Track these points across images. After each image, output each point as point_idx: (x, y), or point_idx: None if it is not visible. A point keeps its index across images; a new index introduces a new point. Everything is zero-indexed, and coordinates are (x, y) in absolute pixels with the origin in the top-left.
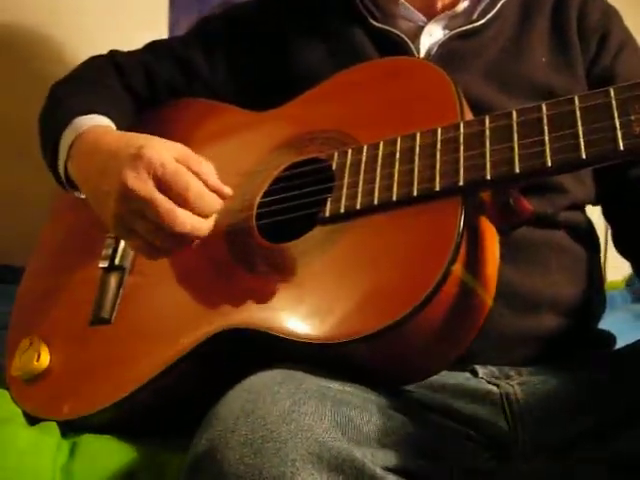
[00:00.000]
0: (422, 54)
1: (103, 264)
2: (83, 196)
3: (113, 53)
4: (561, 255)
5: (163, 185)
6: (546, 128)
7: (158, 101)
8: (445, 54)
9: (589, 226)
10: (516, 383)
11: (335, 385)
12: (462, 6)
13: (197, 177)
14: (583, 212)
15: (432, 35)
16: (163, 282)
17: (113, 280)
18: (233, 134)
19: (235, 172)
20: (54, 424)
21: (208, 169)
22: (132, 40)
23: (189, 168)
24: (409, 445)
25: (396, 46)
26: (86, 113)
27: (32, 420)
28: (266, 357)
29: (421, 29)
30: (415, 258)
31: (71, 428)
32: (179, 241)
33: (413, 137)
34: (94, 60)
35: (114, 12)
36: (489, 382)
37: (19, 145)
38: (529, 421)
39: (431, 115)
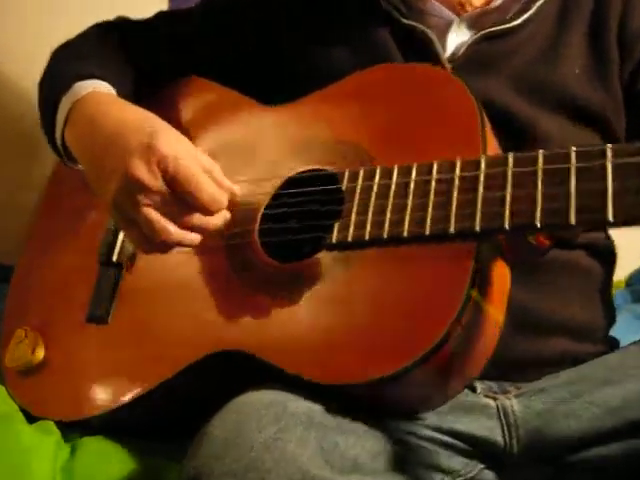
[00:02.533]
0: (447, 54)
1: (100, 259)
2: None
3: (119, 22)
4: (577, 276)
5: (174, 182)
6: (573, 180)
7: (160, 77)
8: (472, 56)
9: (607, 241)
10: (513, 396)
11: (323, 407)
12: (496, 3)
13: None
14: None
15: (460, 34)
16: (161, 288)
17: (110, 277)
18: (240, 130)
19: (240, 175)
20: (52, 424)
21: (216, 167)
22: None
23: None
24: (399, 466)
25: (421, 45)
26: (87, 78)
27: (29, 416)
28: (263, 373)
29: (449, 26)
30: (421, 306)
31: (66, 425)
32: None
33: (429, 168)
34: (99, 27)
35: (115, 10)
36: (486, 396)
37: (17, 146)
38: (524, 433)
39: (451, 140)
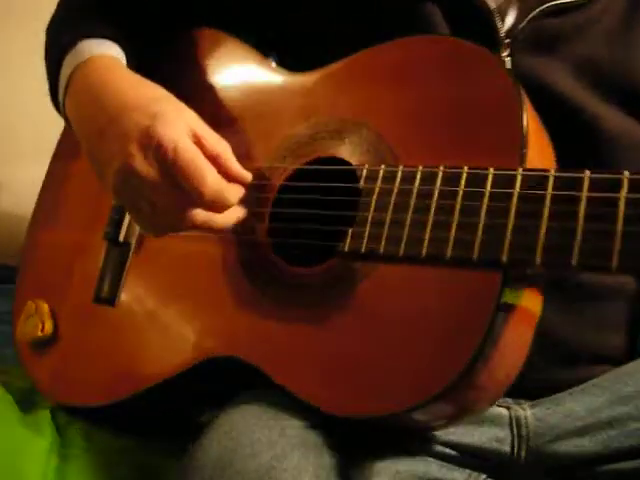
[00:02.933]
0: (505, 29)
1: (107, 237)
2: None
3: None
4: (621, 301)
5: (173, 173)
6: (621, 216)
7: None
8: (533, 32)
9: None
10: (528, 405)
11: (321, 423)
12: None
13: (213, 161)
14: None
15: (522, 6)
16: (167, 275)
17: (116, 258)
18: (258, 98)
19: (252, 155)
20: (47, 424)
21: (226, 151)
22: None
23: (205, 150)
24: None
25: (475, 15)
26: (95, 36)
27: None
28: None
29: None
30: (444, 335)
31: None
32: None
33: (458, 177)
34: None
35: None
36: (499, 405)
37: (20, 150)
38: (535, 446)
39: (487, 140)
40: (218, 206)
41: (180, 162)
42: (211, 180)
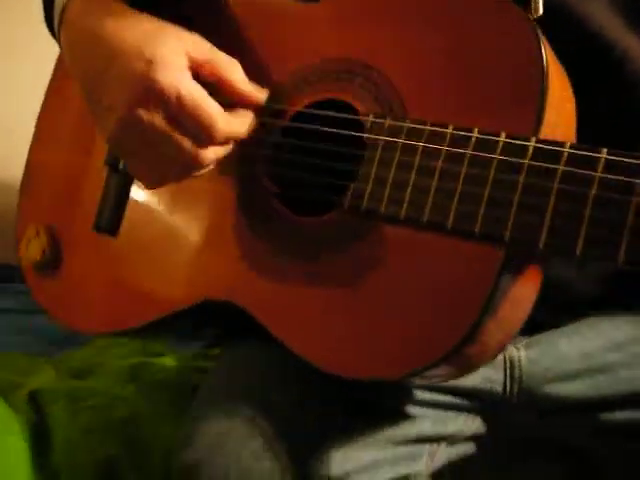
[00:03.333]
0: None
1: (107, 162)
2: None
3: None
4: None
5: (181, 118)
6: (633, 207)
7: None
8: None
9: None
10: (522, 345)
11: (316, 396)
12: None
13: (224, 85)
14: None
15: None
16: (167, 208)
17: (117, 186)
18: (262, 32)
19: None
20: (24, 402)
21: (232, 71)
22: None
23: (214, 75)
24: (394, 448)
25: None
26: None
27: None
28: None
29: None
30: (450, 294)
31: None
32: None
33: (466, 139)
34: None
35: None
36: None
37: (16, 144)
38: (527, 387)
39: (501, 96)
40: (231, 137)
41: (186, 105)
42: (221, 120)
